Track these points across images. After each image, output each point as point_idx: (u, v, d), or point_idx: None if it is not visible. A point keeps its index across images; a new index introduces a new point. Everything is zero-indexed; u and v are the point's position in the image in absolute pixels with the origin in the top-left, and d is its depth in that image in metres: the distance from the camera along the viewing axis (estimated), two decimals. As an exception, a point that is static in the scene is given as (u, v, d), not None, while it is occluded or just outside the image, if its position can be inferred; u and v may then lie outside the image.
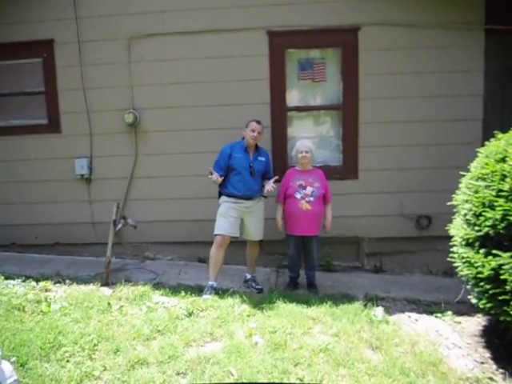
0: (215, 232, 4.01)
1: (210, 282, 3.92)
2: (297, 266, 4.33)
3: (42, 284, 3.93)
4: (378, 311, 3.46)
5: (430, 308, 3.74)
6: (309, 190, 4.06)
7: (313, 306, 3.54)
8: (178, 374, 2.58)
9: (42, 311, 3.34)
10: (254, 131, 4.05)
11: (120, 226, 4.44)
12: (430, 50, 4.67)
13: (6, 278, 4.03)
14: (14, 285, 3.90)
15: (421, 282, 4.58)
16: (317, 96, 4.91)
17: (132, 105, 4.88)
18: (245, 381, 2.46)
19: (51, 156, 5.04)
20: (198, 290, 3.91)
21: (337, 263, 4.89)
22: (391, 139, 4.77)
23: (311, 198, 4.04)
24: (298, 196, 4.06)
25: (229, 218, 4.01)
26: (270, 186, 3.97)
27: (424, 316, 3.59)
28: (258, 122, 4.10)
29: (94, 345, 2.84)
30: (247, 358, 2.71)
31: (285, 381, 2.47)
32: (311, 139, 4.52)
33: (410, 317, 3.56)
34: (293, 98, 4.90)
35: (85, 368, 2.57)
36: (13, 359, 2.50)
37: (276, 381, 2.46)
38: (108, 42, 4.88)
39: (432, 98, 4.71)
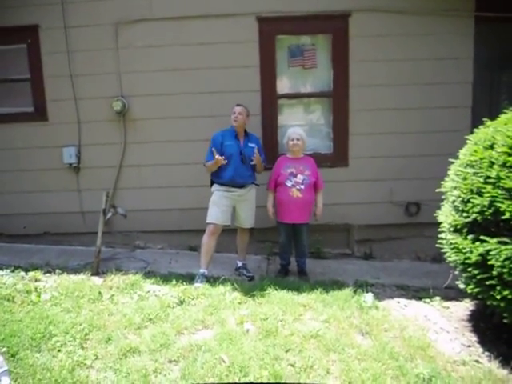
0: (207, 220, 4.01)
1: (201, 270, 3.93)
2: (287, 254, 4.35)
3: (31, 274, 3.90)
4: (368, 297, 3.51)
5: (418, 294, 3.79)
6: (300, 177, 4.06)
7: (304, 292, 3.57)
8: (170, 361, 2.59)
9: (31, 301, 3.32)
10: (234, 113, 4.05)
11: (110, 215, 4.41)
12: (420, 37, 4.66)
13: (-5, 269, 4.00)
14: (2, 275, 3.87)
15: (410, 268, 4.64)
16: (307, 83, 4.88)
17: (120, 92, 4.81)
18: (236, 367, 2.48)
19: (38, 145, 4.95)
20: (189, 279, 3.91)
21: (327, 250, 4.93)
22: (381, 127, 4.78)
23: (302, 186, 4.05)
24: (289, 184, 4.06)
25: (221, 206, 4.00)
26: (256, 154, 3.98)
27: (413, 301, 3.64)
28: (238, 105, 4.12)
29: (86, 334, 2.84)
30: (239, 344, 2.73)
31: (276, 366, 2.50)
32: (302, 127, 4.51)
33: (399, 302, 3.61)
34: (283, 85, 4.86)
35: (76, 357, 2.57)
36: (3, 350, 2.49)
37: (268, 367, 2.49)
38: (95, 28, 4.78)
39: (422, 85, 4.72)
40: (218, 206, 4.01)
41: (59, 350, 2.65)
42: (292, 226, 4.18)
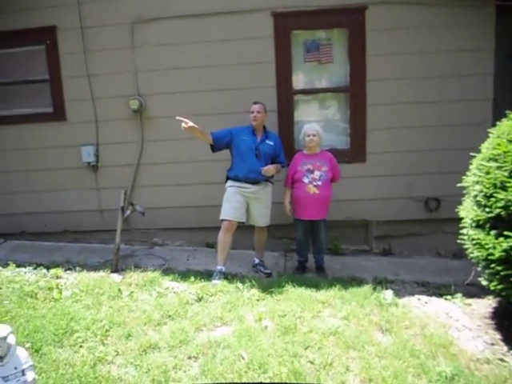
0: (221, 217, 4.02)
1: (219, 267, 3.94)
2: (305, 250, 4.33)
3: (52, 271, 3.96)
4: (388, 294, 3.46)
5: (439, 290, 3.72)
6: (317, 174, 4.03)
7: (322, 289, 3.54)
8: (190, 358, 2.61)
9: (53, 298, 3.38)
10: (252, 112, 4.05)
11: (128, 212, 4.45)
12: (439, 29, 4.56)
13: (18, 266, 4.08)
14: (25, 272, 3.95)
15: (430, 264, 4.56)
16: (323, 78, 4.84)
17: (137, 91, 4.85)
18: (255, 364, 2.48)
19: (57, 144, 5.04)
20: (207, 275, 3.93)
21: (345, 247, 4.89)
22: (400, 121, 4.70)
23: (319, 182, 4.02)
24: (306, 180, 4.04)
25: (234, 202, 4.00)
26: (268, 166, 3.95)
27: (434, 298, 3.58)
28: (255, 102, 4.11)
29: (106, 330, 2.87)
30: (257, 341, 2.73)
31: (295, 363, 2.49)
32: (318, 122, 4.47)
33: (419, 299, 3.55)
34: (299, 80, 4.83)
35: (98, 353, 2.60)
36: (27, 345, 2.53)
37: (287, 364, 2.48)
38: (111, 28, 4.82)
39: (441, 78, 4.62)
40: (231, 202, 4.01)
41: (81, 346, 2.69)
42: (309, 223, 4.15)
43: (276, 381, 2.36)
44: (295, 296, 3.39)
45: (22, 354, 1.91)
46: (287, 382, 2.38)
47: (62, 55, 4.94)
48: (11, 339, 1.85)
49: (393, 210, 4.84)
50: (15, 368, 1.85)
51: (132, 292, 3.51)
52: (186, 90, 4.81)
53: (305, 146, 4.22)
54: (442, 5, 4.49)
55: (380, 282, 3.77)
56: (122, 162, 4.99)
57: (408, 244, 4.90)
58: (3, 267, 4.09)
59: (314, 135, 4.08)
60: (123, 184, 4.80)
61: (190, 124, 3.87)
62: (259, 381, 2.36)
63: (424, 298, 3.59)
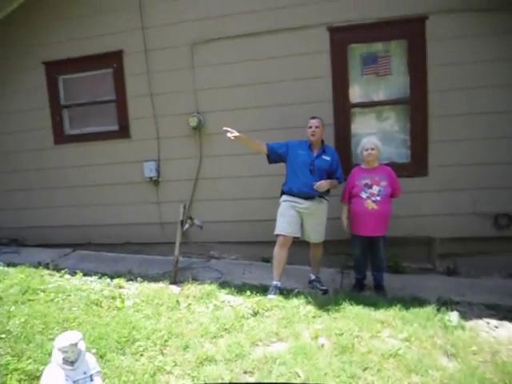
0: (276, 232, 4.01)
1: (275, 282, 3.92)
2: (363, 267, 4.20)
3: (116, 281, 4.16)
4: (453, 316, 3.26)
5: (511, 314, 3.45)
6: (375, 189, 3.92)
7: (381, 308, 3.41)
8: (246, 372, 2.61)
9: (116, 307, 3.54)
10: (310, 127, 4.02)
11: (187, 226, 4.58)
12: (504, 35, 4.31)
13: (85, 275, 4.34)
14: (91, 281, 4.19)
15: (500, 285, 4.25)
16: (382, 91, 4.73)
17: (196, 108, 5.03)
18: (312, 382, 2.43)
19: (122, 160, 5.34)
20: (263, 290, 3.93)
21: (406, 264, 4.68)
22: (464, 132, 4.47)
23: (378, 198, 3.89)
24: (364, 195, 3.93)
25: (287, 217, 3.98)
26: (321, 182, 3.89)
27: (505, 323, 3.31)
28: (313, 117, 4.07)
29: (165, 340, 2.95)
30: (314, 359, 2.67)
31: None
32: (376, 135, 4.36)
33: (488, 323, 3.31)
34: (356, 93, 4.76)
35: (157, 362, 2.68)
36: (93, 351, 2.66)
37: (345, 385, 2.40)
38: (172, 49, 5.07)
39: (506, 87, 4.35)
40: (285, 217, 3.99)
41: (141, 355, 2.78)
42: (368, 239, 4.02)
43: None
44: (353, 314, 3.29)
45: (90, 359, 2.01)
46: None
47: (128, 77, 5.26)
48: (81, 345, 1.95)
49: (458, 226, 4.58)
50: (84, 373, 1.95)
51: (190, 304, 3.59)
52: (243, 106, 4.91)
53: (363, 160, 4.12)
54: (507, 10, 4.25)
55: (444, 303, 3.55)
56: (181, 177, 5.18)
57: (475, 263, 4.59)
58: (72, 275, 4.36)
59: (372, 149, 3.98)
60: (182, 198, 4.95)
61: (236, 134, 3.93)
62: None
63: (494, 321, 3.33)
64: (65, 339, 1.89)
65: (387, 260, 4.29)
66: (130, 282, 4.22)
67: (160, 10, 5.06)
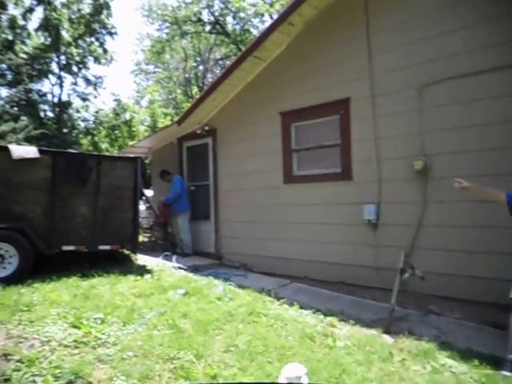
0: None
1: (510, 356, 3.27)
2: None
3: (328, 319, 4.25)
4: None
5: None
6: None
7: None
8: None
9: (328, 345, 3.59)
10: None
11: (407, 275, 4.32)
12: None
13: (300, 307, 4.59)
14: (306, 314, 4.40)
15: None
16: None
17: (422, 151, 4.80)
18: None
19: (342, 201, 5.53)
20: (494, 362, 3.32)
21: None
22: None
23: None
24: None
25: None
26: None
27: None
28: None
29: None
30: None
31: None
32: None
33: None
34: None
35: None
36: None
37: None
38: (399, 92, 5.05)
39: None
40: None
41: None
42: None
43: None
44: None
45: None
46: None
47: (353, 122, 5.49)
48: (304, 380, 2.06)
49: None
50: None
51: (404, 359, 3.35)
52: (478, 148, 4.43)
53: None
54: None
55: None
56: (402, 222, 4.98)
57: None
58: (289, 305, 4.68)
59: None
60: (401, 244, 4.74)
61: (465, 184, 3.57)
62: None
63: None
64: (293, 370, 2.07)
65: None
66: (342, 323, 4.22)
67: (388, 57, 5.15)
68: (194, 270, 6.51)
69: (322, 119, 5.92)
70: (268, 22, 19.23)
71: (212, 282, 5.48)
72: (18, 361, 2.92)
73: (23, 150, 5.55)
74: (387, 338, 3.82)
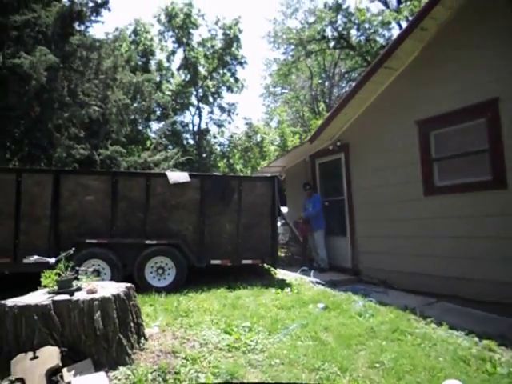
0: None
1: None
2: None
3: (485, 342, 3.87)
4: None
5: None
6: None
7: None
8: None
9: (486, 370, 3.29)
10: None
11: None
12: None
13: (450, 328, 4.25)
14: (457, 336, 4.06)
15: None
16: None
17: None
18: None
19: (495, 212, 4.99)
20: None
21: None
22: None
23: None
24: None
25: None
26: None
27: None
28: None
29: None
30: None
31: None
32: None
33: None
34: None
35: None
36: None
37: None
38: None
39: None
40: None
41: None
42: None
43: None
44: None
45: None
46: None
47: (504, 124, 4.95)
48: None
49: None
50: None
51: None
52: None
53: None
54: None
55: None
56: None
57: None
58: (437, 325, 4.38)
59: None
60: None
61: None
62: None
63: None
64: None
65: None
66: (503, 348, 3.79)
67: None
68: (332, 284, 6.54)
69: (465, 124, 5.46)
70: (395, 28, 18.55)
71: (351, 298, 5.45)
72: (184, 358, 3.34)
73: (177, 176, 6.35)
74: (562, 369, 3.31)
